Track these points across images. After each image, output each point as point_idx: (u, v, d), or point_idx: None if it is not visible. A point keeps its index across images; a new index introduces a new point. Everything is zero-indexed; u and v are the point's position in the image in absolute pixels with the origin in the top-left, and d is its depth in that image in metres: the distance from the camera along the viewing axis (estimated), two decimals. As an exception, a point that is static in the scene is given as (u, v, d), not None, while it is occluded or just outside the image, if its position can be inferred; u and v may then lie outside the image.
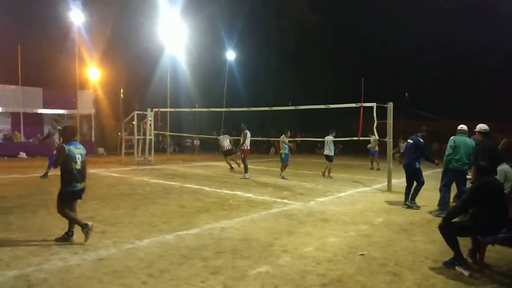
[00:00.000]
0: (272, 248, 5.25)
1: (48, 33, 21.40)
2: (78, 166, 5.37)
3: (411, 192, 8.35)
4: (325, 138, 13.27)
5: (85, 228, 5.21)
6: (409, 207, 8.21)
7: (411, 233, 6.21)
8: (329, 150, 13.10)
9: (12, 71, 19.32)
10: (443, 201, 7.60)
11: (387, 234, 6.09)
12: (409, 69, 30.43)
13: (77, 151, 5.41)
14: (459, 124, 7.87)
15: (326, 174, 13.27)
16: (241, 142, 12.90)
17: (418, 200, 8.49)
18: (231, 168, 15.08)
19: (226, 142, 15.40)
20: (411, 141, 8.33)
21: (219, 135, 16.01)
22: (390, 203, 8.81)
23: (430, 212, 7.75)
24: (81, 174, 5.42)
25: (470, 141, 7.50)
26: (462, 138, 7.51)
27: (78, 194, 5.46)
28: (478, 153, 6.91)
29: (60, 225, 6.04)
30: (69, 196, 5.39)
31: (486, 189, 4.62)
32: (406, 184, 8.47)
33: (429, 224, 6.73)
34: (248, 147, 13.09)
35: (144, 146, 17.35)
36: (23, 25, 21.08)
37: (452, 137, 7.69)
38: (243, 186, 11.03)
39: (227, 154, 15.42)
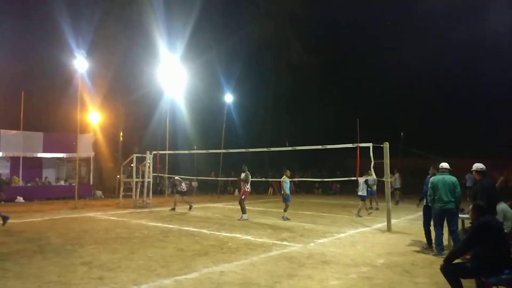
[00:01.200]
0: (272, 293, 5.16)
1: (51, 79, 21.90)
2: None
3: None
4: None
5: None
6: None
7: (413, 274, 6.11)
8: (361, 191, 13.75)
9: (15, 116, 19.60)
10: (439, 241, 7.51)
11: (389, 276, 5.99)
12: (404, 108, 30.97)
13: None
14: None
15: (366, 211, 13.98)
16: (243, 179, 12.88)
17: (419, 238, 8.51)
18: (174, 209, 15.34)
19: (183, 183, 16.26)
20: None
21: (174, 178, 16.41)
22: (390, 243, 8.71)
23: (430, 252, 7.65)
24: None
25: (449, 178, 7.41)
26: (440, 177, 7.48)
27: None
28: (476, 192, 6.92)
29: (56, 272, 5.95)
30: None
31: (485, 228, 4.60)
32: (429, 228, 8.10)
33: (431, 265, 6.62)
34: (249, 189, 13.10)
35: (143, 188, 17.30)
36: (27, 72, 21.61)
37: (431, 178, 7.72)
38: (242, 228, 10.90)
39: (184, 194, 16.05)
